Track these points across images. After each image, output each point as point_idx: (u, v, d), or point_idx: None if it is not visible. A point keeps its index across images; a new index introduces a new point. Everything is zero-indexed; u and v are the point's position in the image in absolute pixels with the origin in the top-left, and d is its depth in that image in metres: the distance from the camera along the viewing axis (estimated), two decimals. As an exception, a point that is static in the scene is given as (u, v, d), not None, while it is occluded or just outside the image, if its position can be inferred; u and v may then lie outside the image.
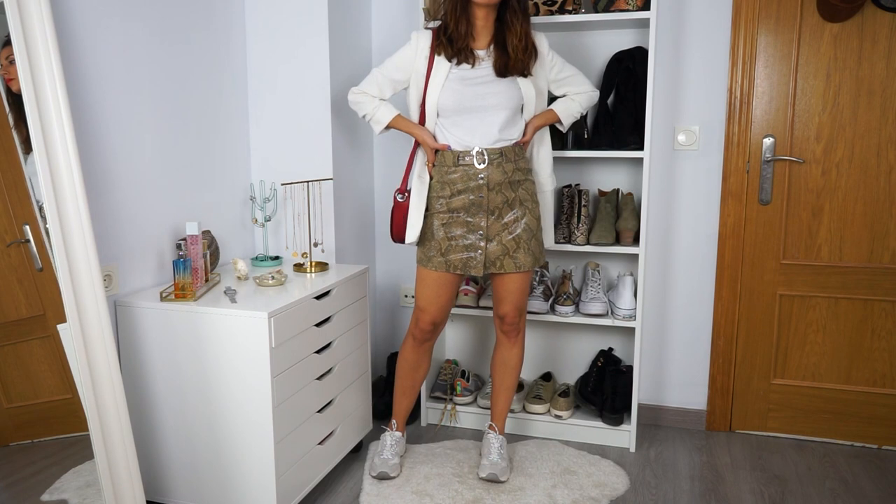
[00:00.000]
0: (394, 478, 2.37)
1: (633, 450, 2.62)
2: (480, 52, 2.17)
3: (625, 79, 2.58)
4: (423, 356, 2.41)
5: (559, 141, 2.59)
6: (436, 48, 2.16)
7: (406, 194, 2.27)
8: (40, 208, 1.69)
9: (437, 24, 2.23)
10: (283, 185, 2.39)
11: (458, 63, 2.16)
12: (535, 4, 2.52)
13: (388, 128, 2.27)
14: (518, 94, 2.17)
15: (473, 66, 2.15)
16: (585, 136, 2.62)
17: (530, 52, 2.16)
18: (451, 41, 2.13)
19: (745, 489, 2.36)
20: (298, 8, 2.53)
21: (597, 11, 2.50)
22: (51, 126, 1.67)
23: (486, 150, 2.16)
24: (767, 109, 2.60)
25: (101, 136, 1.97)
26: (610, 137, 2.56)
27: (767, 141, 2.61)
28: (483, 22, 2.14)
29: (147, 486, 2.08)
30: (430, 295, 2.28)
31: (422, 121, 2.20)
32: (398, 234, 2.30)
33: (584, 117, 2.61)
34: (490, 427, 2.45)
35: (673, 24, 2.63)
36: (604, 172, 2.79)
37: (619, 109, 2.57)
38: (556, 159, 2.80)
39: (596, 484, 2.36)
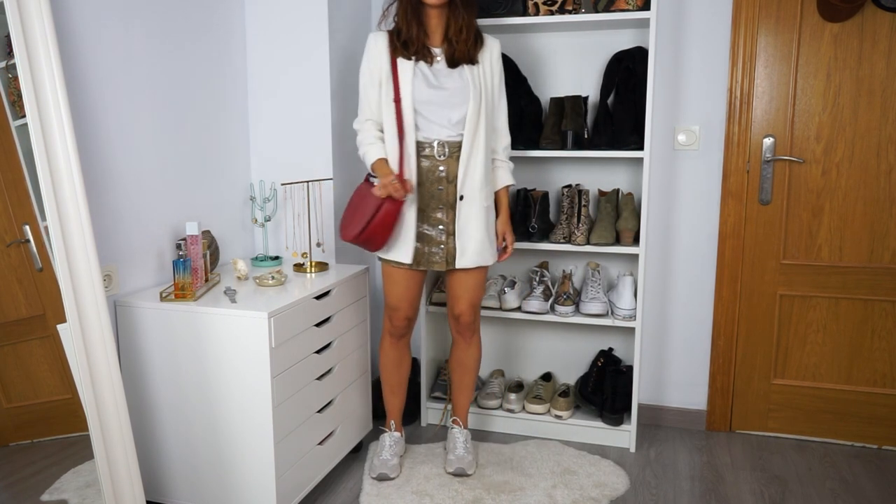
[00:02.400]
0: (393, 479, 2.37)
1: (633, 450, 2.62)
2: (436, 50, 2.21)
3: (625, 79, 2.58)
4: (403, 350, 2.44)
5: (560, 140, 2.59)
6: (392, 52, 2.19)
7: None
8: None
9: (390, 26, 2.24)
10: (283, 185, 2.39)
11: (417, 61, 2.19)
12: (536, 4, 2.53)
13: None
14: (468, 89, 2.19)
15: (431, 64, 2.20)
16: (585, 136, 2.62)
17: (472, 41, 2.21)
18: (406, 45, 2.17)
19: (746, 489, 2.36)
20: (298, 7, 2.53)
21: (597, 11, 2.50)
22: (51, 126, 1.67)
23: (445, 142, 2.19)
24: (767, 109, 2.60)
25: (101, 136, 1.97)
26: (610, 137, 2.56)
27: (767, 141, 2.61)
28: (437, 20, 2.19)
29: (147, 486, 2.08)
30: (400, 292, 2.30)
31: (399, 118, 2.17)
32: (379, 237, 2.19)
33: (583, 117, 2.61)
34: (454, 422, 2.49)
35: (673, 24, 2.63)
36: (604, 172, 2.78)
37: (619, 109, 2.57)
38: (555, 159, 2.80)
39: (596, 484, 2.36)
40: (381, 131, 2.22)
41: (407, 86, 2.15)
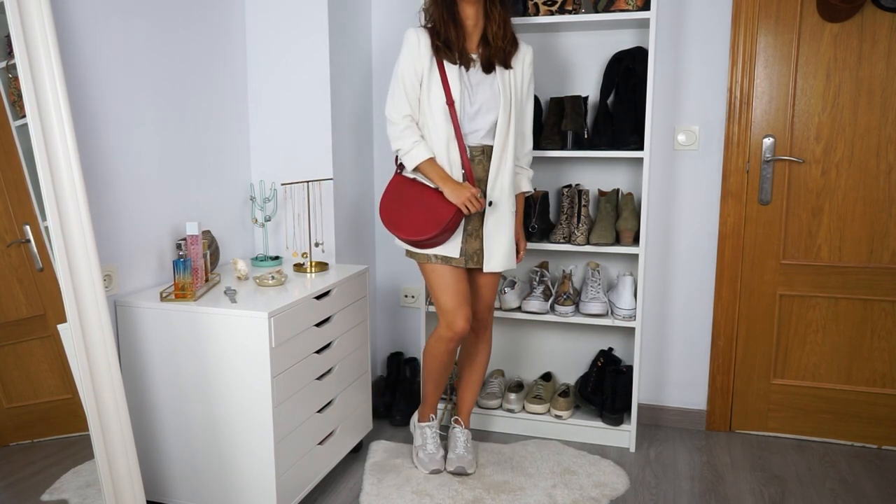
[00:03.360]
0: (443, 471, 2.41)
1: (633, 450, 2.62)
2: (473, 56, 2.20)
3: (625, 79, 2.58)
4: (454, 352, 2.40)
5: (560, 140, 2.59)
6: (436, 53, 2.16)
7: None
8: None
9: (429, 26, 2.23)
10: (283, 185, 2.39)
11: (461, 66, 2.18)
12: (535, 4, 2.53)
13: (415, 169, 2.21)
14: (499, 97, 2.19)
15: (468, 69, 2.19)
16: (585, 136, 2.62)
17: (509, 40, 2.20)
18: (449, 47, 2.16)
19: (745, 489, 2.36)
20: (298, 7, 2.53)
21: (597, 11, 2.50)
22: (51, 126, 1.67)
23: (469, 147, 2.20)
24: (767, 109, 2.60)
25: (101, 136, 1.97)
26: (610, 137, 2.56)
27: (767, 141, 2.61)
28: (473, 22, 2.17)
29: (147, 486, 2.08)
30: (451, 288, 2.24)
31: (455, 123, 2.16)
32: (445, 239, 2.20)
33: (583, 117, 2.61)
34: (456, 421, 2.50)
35: (673, 24, 2.63)
36: (604, 172, 2.78)
37: (619, 109, 2.57)
38: (555, 159, 2.80)
39: (596, 484, 2.36)
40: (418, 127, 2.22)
41: (456, 90, 2.15)
